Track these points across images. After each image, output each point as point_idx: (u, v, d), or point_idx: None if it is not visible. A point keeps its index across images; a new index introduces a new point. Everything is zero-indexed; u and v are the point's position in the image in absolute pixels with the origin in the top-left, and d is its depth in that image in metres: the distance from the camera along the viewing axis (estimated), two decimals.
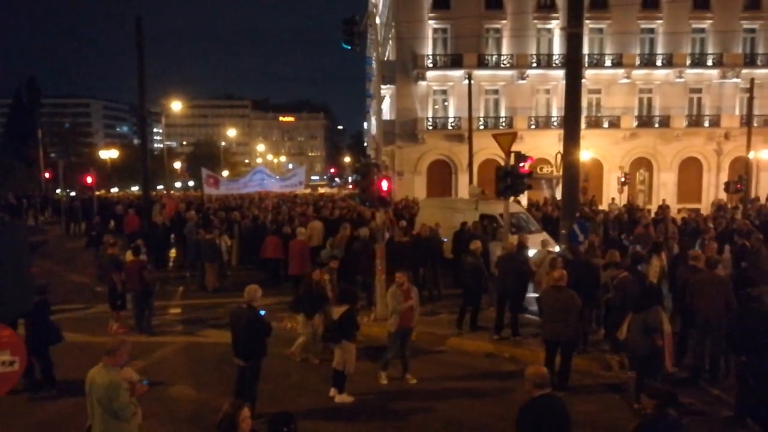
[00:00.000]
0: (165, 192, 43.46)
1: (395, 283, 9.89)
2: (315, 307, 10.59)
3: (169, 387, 9.70)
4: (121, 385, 5.61)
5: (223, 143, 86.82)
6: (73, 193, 43.21)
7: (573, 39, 12.91)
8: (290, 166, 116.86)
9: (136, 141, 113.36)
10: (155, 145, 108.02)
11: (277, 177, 30.34)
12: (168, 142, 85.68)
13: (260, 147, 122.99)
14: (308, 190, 35.56)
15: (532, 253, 13.54)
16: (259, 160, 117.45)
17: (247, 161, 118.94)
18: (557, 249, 15.26)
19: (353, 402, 9.04)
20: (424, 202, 23.51)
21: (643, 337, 8.23)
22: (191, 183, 79.44)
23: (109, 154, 60.13)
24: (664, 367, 8.43)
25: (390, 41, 39.81)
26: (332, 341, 9.38)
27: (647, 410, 5.34)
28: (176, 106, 55.33)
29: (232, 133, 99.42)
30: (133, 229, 20.66)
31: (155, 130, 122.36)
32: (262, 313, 8.38)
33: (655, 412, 5.26)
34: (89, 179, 29.49)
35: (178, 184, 73.98)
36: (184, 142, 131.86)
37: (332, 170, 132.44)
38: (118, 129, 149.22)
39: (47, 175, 42.74)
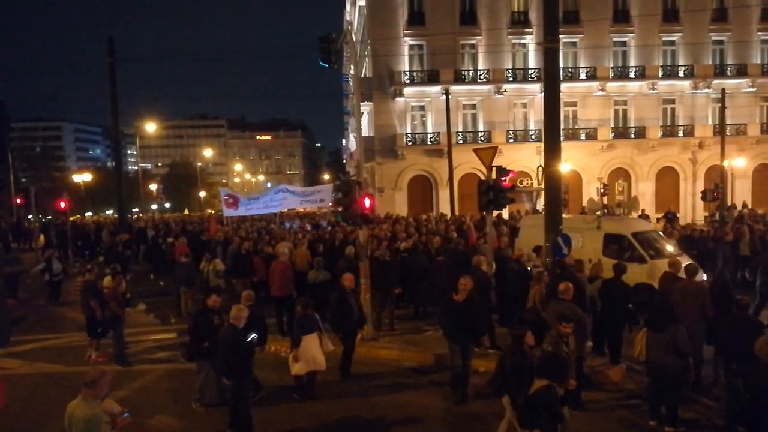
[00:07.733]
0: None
1: None
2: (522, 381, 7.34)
3: (151, 418, 9.32)
4: (102, 418, 5.39)
5: (199, 164, 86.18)
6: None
7: (550, 54, 12.92)
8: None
9: (109, 164, 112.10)
10: (130, 167, 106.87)
11: (299, 191, 27.84)
12: (143, 164, 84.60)
13: (238, 167, 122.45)
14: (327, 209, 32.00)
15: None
16: (236, 180, 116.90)
17: (224, 181, 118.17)
18: (704, 276, 12.93)
19: None
20: (527, 220, 18.86)
21: (673, 357, 7.99)
22: (168, 205, 78.57)
23: (82, 177, 59.57)
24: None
25: (366, 58, 39.91)
26: (523, 426, 6.74)
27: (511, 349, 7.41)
28: (150, 127, 54.84)
29: (208, 153, 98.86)
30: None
31: (129, 152, 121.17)
32: (254, 336, 8.59)
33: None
34: (62, 204, 28.89)
35: (154, 207, 73.09)
36: (159, 164, 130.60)
37: None
38: (90, 152, 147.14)
39: (19, 201, 41.93)
